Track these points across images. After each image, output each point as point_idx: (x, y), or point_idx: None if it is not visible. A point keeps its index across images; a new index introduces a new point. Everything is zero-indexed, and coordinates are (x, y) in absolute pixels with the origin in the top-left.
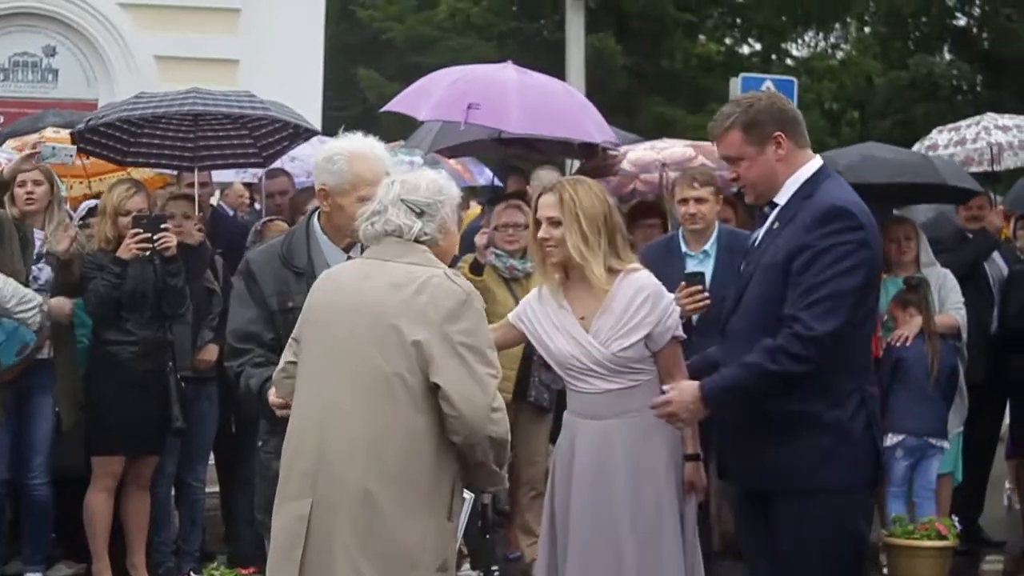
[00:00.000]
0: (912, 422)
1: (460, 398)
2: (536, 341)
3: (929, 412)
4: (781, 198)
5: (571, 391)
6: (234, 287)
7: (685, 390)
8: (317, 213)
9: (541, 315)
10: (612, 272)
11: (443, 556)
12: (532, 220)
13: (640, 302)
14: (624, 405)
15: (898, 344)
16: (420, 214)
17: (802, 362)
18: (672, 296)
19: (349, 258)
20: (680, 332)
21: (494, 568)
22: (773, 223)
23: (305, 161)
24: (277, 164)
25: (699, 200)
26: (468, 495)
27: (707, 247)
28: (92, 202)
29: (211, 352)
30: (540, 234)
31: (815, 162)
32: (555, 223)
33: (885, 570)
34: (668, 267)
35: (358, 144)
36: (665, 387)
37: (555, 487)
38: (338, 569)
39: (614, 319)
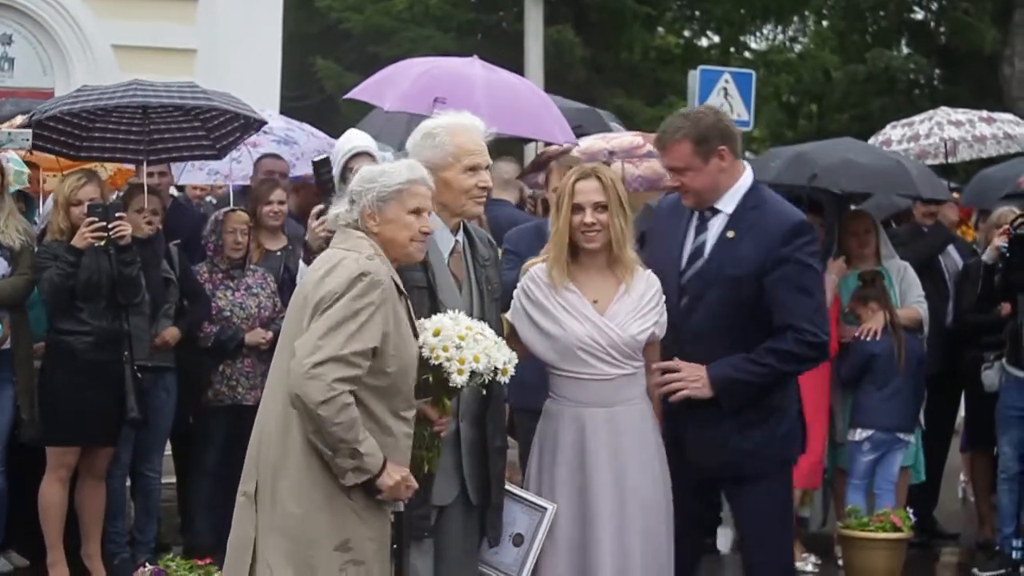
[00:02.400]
0: (882, 417)
1: (296, 354)
2: (532, 329)
3: (899, 406)
4: (726, 206)
5: (571, 380)
6: None
7: (692, 366)
8: None
9: (545, 298)
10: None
11: (343, 535)
12: (567, 204)
13: (653, 293)
14: (628, 391)
15: (867, 338)
16: (352, 203)
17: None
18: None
19: (456, 241)
20: None
21: None
22: (726, 231)
23: (302, 146)
24: (272, 149)
25: None
26: (550, 505)
27: None
28: None
29: (172, 334)
30: (586, 219)
31: (749, 173)
32: (601, 208)
33: (840, 562)
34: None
35: (455, 117)
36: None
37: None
38: (258, 545)
39: (632, 304)
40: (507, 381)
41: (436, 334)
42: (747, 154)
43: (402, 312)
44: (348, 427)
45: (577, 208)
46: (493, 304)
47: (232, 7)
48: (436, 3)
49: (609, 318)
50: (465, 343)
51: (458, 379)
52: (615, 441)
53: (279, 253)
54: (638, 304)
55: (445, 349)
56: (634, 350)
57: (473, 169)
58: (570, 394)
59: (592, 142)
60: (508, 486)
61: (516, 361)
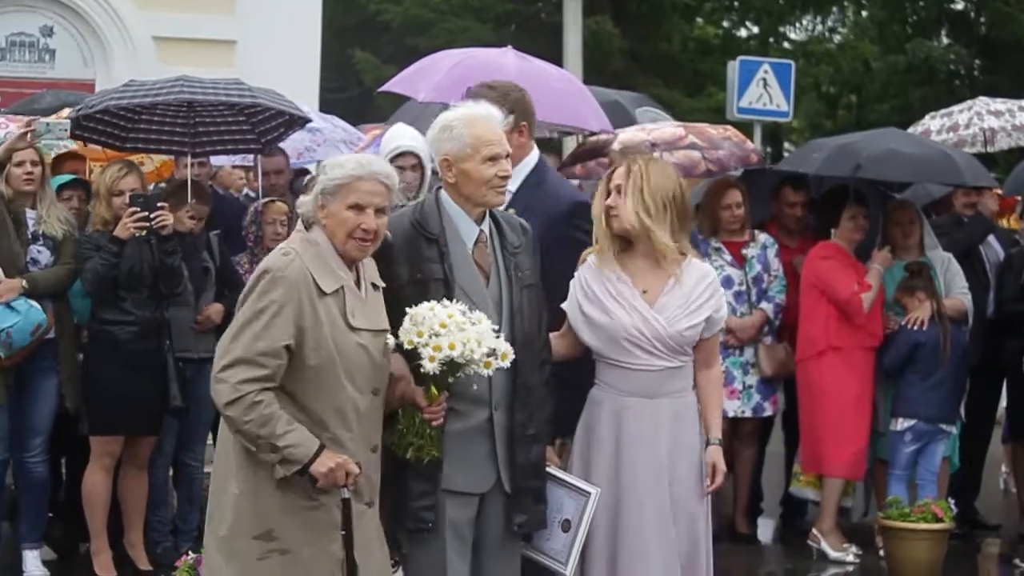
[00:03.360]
0: (924, 407)
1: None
2: (580, 316)
3: (942, 397)
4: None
5: (615, 368)
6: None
7: None
8: (440, 188)
9: (595, 286)
10: (681, 255)
11: (266, 525)
12: (603, 191)
13: (705, 287)
14: (672, 384)
15: (915, 327)
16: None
17: None
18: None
19: (482, 231)
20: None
21: None
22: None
23: (296, 141)
24: (296, 136)
25: None
26: (594, 489)
27: None
28: None
29: (216, 310)
30: (608, 201)
31: (535, 153)
32: (619, 191)
33: (881, 552)
34: None
35: (472, 108)
36: None
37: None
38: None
39: (682, 298)
40: (491, 373)
41: (412, 320)
42: (786, 145)
43: (331, 305)
44: (261, 423)
45: (608, 193)
46: (525, 291)
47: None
48: None
49: (658, 310)
50: (446, 330)
51: (428, 366)
52: (654, 432)
53: None
54: (688, 298)
55: (420, 335)
56: (680, 344)
57: (492, 159)
58: (613, 382)
59: (633, 134)
60: (553, 471)
61: (511, 354)
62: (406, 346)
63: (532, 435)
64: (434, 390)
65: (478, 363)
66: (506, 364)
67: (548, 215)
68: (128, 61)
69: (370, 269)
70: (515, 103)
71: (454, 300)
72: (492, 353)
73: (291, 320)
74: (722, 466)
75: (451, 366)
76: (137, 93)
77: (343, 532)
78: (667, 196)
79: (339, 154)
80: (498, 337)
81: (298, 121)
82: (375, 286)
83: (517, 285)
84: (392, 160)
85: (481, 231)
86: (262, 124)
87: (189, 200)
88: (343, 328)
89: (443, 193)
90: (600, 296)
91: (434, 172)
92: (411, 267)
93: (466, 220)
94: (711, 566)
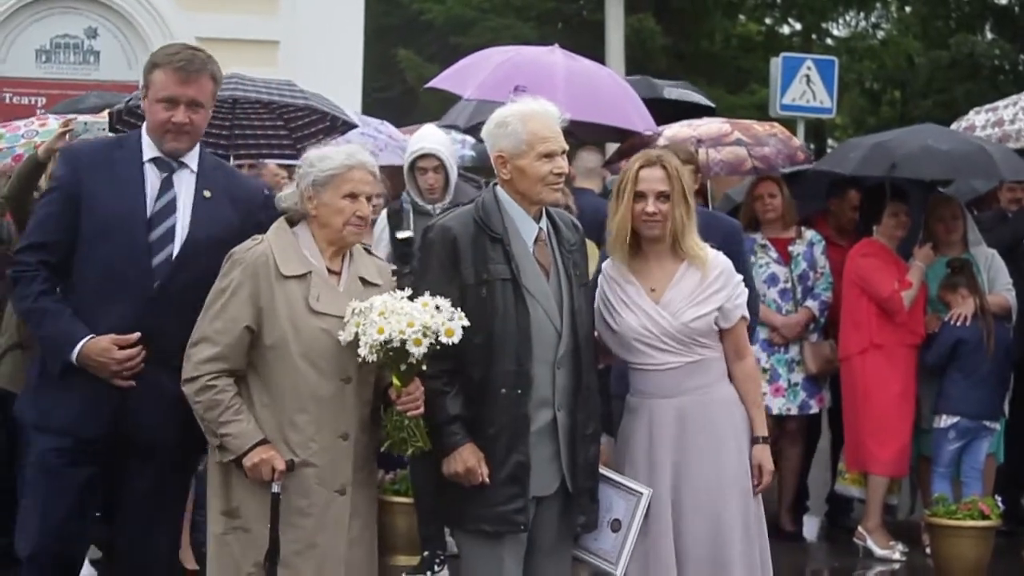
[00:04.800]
0: (968, 404)
1: None
2: (602, 324)
3: (985, 394)
4: (191, 161)
5: (639, 372)
6: (428, 258)
7: None
8: (496, 184)
9: (609, 293)
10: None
11: (232, 503)
12: (629, 192)
13: (714, 276)
14: (694, 380)
15: (957, 324)
16: (296, 185)
17: None
18: (741, 276)
19: (540, 229)
20: (747, 312)
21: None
22: (201, 190)
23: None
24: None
25: None
26: (646, 490)
27: None
28: None
29: None
30: (648, 208)
31: None
32: (664, 197)
33: (927, 550)
34: None
35: (528, 104)
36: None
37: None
38: None
39: (688, 290)
40: (422, 352)
41: (352, 312)
42: (829, 141)
43: (292, 288)
44: (208, 407)
45: (639, 196)
46: (582, 290)
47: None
48: None
49: (663, 306)
50: (383, 317)
51: (363, 352)
52: (682, 432)
53: (369, 246)
54: (696, 289)
55: (357, 325)
56: (690, 336)
57: (548, 156)
58: (640, 386)
59: (679, 130)
60: (605, 471)
61: (457, 331)
62: (349, 339)
63: (590, 434)
64: (395, 380)
65: (409, 343)
66: (449, 341)
67: (246, 201)
68: None
69: (364, 265)
70: (221, 74)
71: (520, 300)
72: (426, 332)
73: (248, 300)
74: (769, 465)
75: (396, 353)
76: None
77: (268, 525)
78: (691, 193)
79: (398, 159)
80: (451, 317)
81: (340, 126)
82: (365, 281)
83: (576, 283)
84: (414, 162)
85: (540, 229)
86: (300, 130)
87: None
88: (303, 311)
89: (500, 191)
90: (613, 302)
91: (459, 175)
92: (477, 268)
93: (525, 218)
94: (760, 568)
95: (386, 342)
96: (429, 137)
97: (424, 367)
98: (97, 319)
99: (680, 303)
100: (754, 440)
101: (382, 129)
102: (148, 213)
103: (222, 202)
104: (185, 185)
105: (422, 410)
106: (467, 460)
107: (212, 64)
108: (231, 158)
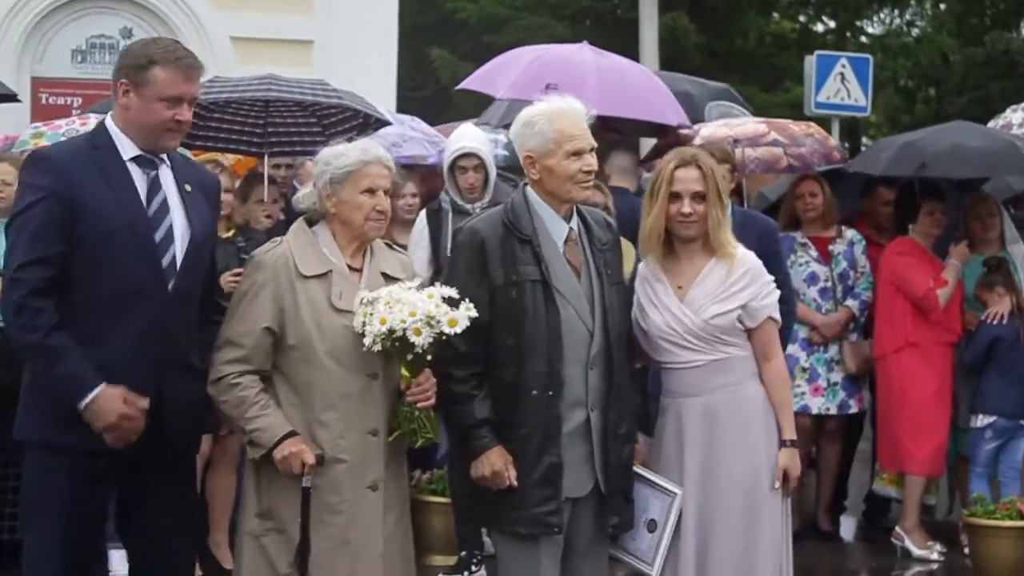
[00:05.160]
0: (1005, 404)
1: None
2: (635, 325)
3: (1022, 393)
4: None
5: (667, 372)
6: (457, 260)
7: None
8: (526, 185)
9: (641, 294)
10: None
11: (265, 504)
12: (664, 192)
13: (739, 275)
14: (720, 378)
15: (993, 322)
16: (313, 185)
17: None
18: (770, 277)
19: (571, 229)
20: (778, 316)
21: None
22: (182, 184)
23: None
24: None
25: None
26: (679, 490)
27: None
28: None
29: None
30: (684, 209)
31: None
32: (699, 197)
33: (966, 550)
34: None
35: (555, 103)
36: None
37: (667, 472)
38: None
39: (712, 287)
40: (427, 342)
41: (361, 302)
42: (864, 139)
43: (314, 287)
44: (234, 405)
45: (674, 196)
46: (615, 288)
47: None
48: None
49: (687, 303)
50: (388, 307)
51: (367, 342)
52: (709, 431)
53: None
54: (720, 286)
55: (365, 315)
56: (712, 334)
57: (576, 154)
58: (668, 385)
59: (715, 129)
60: (641, 471)
61: (461, 320)
62: (358, 329)
63: (624, 434)
64: (404, 371)
65: (410, 332)
66: (452, 331)
67: (211, 194)
68: (206, 62)
69: (386, 260)
70: None
71: (550, 300)
72: (429, 322)
73: (269, 301)
74: (794, 471)
75: (400, 342)
76: (224, 89)
77: (300, 519)
78: (725, 192)
79: (424, 150)
80: (456, 303)
81: (373, 124)
82: (387, 276)
83: (608, 283)
84: (455, 161)
85: (571, 228)
86: (334, 127)
87: (266, 199)
88: (326, 310)
89: (530, 191)
90: (643, 302)
91: (497, 174)
92: (506, 269)
93: (555, 218)
94: (782, 569)
95: (389, 332)
96: (469, 136)
97: (429, 357)
98: (117, 328)
99: (703, 300)
100: (781, 443)
101: (415, 125)
102: (149, 215)
103: (198, 194)
104: (166, 181)
105: (432, 401)
106: (494, 463)
107: (201, 63)
108: (265, 156)
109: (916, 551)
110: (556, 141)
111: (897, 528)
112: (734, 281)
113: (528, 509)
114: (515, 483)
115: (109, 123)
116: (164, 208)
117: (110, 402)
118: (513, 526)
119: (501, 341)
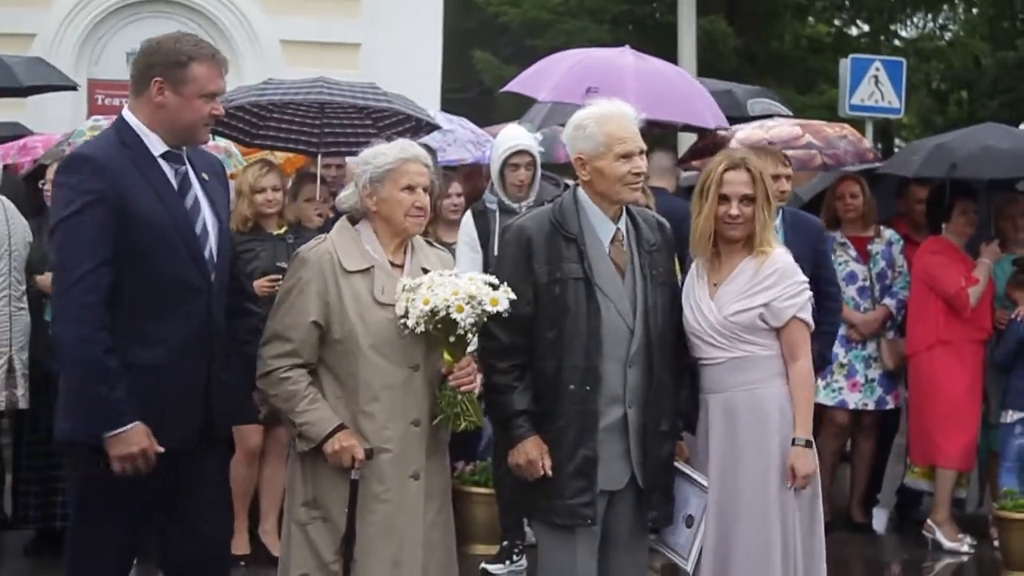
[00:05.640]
0: None
1: None
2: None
3: None
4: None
5: (700, 367)
6: (503, 256)
7: None
8: (577, 185)
9: (685, 293)
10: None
11: (311, 493)
12: (713, 194)
13: (767, 273)
14: (739, 376)
15: (1022, 321)
16: (354, 184)
17: None
18: (803, 278)
19: (618, 229)
20: (808, 317)
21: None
22: (201, 174)
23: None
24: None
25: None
26: (705, 480)
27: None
28: None
29: None
30: (732, 211)
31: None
32: (748, 200)
33: (996, 543)
34: None
35: (605, 106)
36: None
37: (698, 467)
38: None
39: (742, 284)
40: (469, 322)
41: (403, 288)
42: (896, 141)
43: (357, 282)
44: (284, 399)
45: (723, 198)
46: (660, 288)
47: (395, 3)
48: None
49: (716, 300)
50: (430, 290)
51: (409, 322)
52: (730, 428)
53: (454, 245)
54: (747, 283)
55: (407, 300)
56: (732, 331)
57: (626, 156)
58: (702, 381)
59: (751, 131)
60: (682, 466)
61: (502, 301)
62: (400, 313)
63: (664, 432)
64: (447, 355)
65: (452, 310)
66: (494, 310)
67: (223, 181)
68: (257, 64)
69: (426, 256)
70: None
71: (591, 298)
72: (470, 300)
73: (315, 296)
74: (802, 468)
75: (443, 323)
76: (277, 91)
77: (347, 510)
78: (774, 195)
79: (468, 154)
80: (496, 288)
81: (424, 127)
82: (427, 271)
83: (652, 283)
84: (508, 158)
85: (617, 229)
86: (388, 129)
87: (317, 198)
88: (369, 304)
89: (580, 191)
90: (684, 300)
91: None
92: (550, 267)
93: (602, 218)
94: (796, 569)
95: (432, 312)
96: (520, 135)
97: (469, 336)
98: (170, 326)
99: (729, 297)
100: (792, 441)
101: (464, 125)
102: (186, 211)
103: (214, 182)
104: (192, 175)
105: (475, 385)
106: (529, 453)
107: None
108: (319, 156)
109: (947, 543)
110: (606, 144)
111: (928, 521)
112: (761, 279)
113: (563, 500)
114: (549, 473)
115: (132, 120)
116: (197, 203)
117: (139, 436)
118: (549, 516)
119: (542, 335)
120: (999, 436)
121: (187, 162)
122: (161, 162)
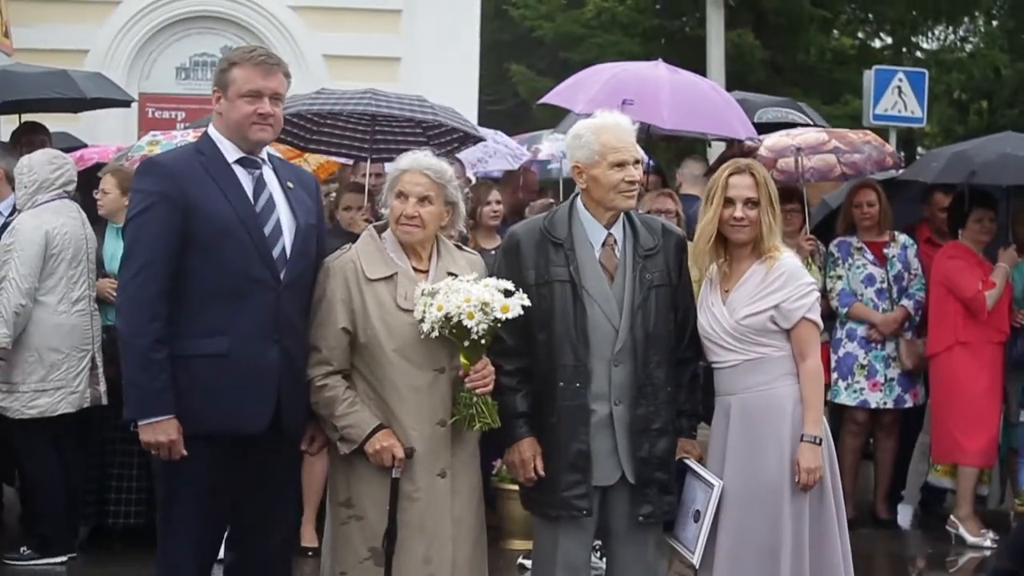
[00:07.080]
0: None
1: None
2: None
3: None
4: (265, 157)
5: (715, 371)
6: (498, 263)
7: None
8: (577, 194)
9: (700, 297)
10: (776, 249)
11: (347, 493)
12: (718, 198)
13: (775, 276)
14: (753, 378)
15: None
16: None
17: None
18: (810, 279)
19: (610, 234)
20: (816, 317)
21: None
22: (284, 181)
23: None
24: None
25: None
26: (717, 482)
27: None
28: None
29: None
30: (736, 214)
31: None
32: (752, 203)
33: None
34: None
35: (601, 117)
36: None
37: (712, 466)
38: None
39: (752, 287)
40: (483, 328)
41: (421, 292)
42: (919, 149)
43: (380, 290)
44: (324, 405)
45: (728, 202)
46: (653, 291)
47: (433, 18)
48: (623, 11)
49: (727, 305)
50: (445, 296)
51: (425, 327)
52: (745, 429)
53: (493, 252)
54: (757, 287)
55: (425, 305)
56: (744, 335)
57: (619, 165)
58: (718, 385)
59: (778, 139)
60: (689, 462)
61: (513, 307)
62: (418, 318)
63: (658, 429)
64: (463, 358)
65: (464, 316)
66: (505, 316)
67: (312, 188)
68: (300, 77)
69: (453, 260)
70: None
71: (578, 300)
72: (483, 308)
73: (341, 304)
74: (808, 464)
75: (457, 328)
76: (328, 101)
77: (388, 508)
78: (777, 200)
79: (509, 165)
80: (512, 295)
81: (471, 139)
82: (452, 275)
83: (643, 286)
84: None
85: (609, 234)
86: (437, 138)
87: (365, 203)
88: (393, 309)
89: (578, 199)
90: (699, 304)
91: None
92: (538, 271)
93: (595, 224)
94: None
95: (446, 317)
96: None
97: (483, 341)
98: (235, 316)
99: (740, 302)
100: (801, 437)
101: (498, 139)
102: (257, 211)
103: (300, 190)
104: (270, 180)
105: (490, 388)
106: (523, 452)
107: (283, 63)
108: (368, 162)
109: (970, 538)
110: (601, 153)
111: (952, 516)
112: (770, 283)
113: (558, 493)
114: (541, 473)
115: (211, 131)
116: (271, 204)
117: (171, 427)
118: (544, 509)
119: (535, 336)
120: (1019, 434)
121: (271, 170)
122: (236, 167)
